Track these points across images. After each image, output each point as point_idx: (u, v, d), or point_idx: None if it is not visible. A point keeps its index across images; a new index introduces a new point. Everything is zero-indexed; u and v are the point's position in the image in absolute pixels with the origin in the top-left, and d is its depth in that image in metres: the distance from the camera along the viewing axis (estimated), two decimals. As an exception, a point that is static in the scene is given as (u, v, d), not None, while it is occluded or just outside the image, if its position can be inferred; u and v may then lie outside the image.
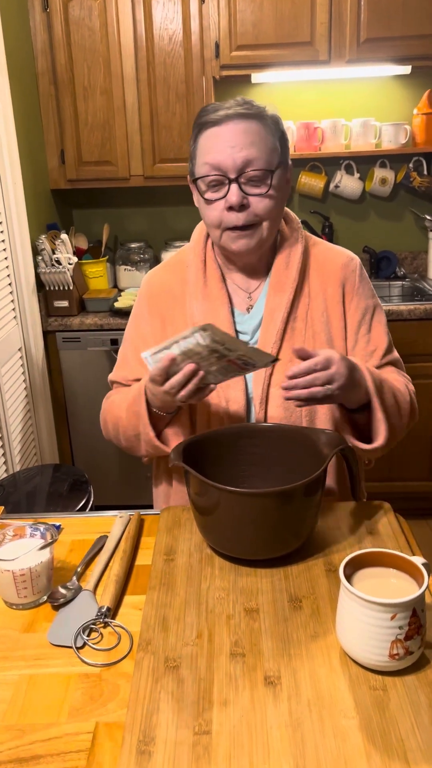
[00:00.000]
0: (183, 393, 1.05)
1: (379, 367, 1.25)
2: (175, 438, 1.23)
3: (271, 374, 1.22)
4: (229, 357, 1.02)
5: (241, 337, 1.25)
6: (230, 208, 1.14)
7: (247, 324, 1.25)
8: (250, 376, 1.23)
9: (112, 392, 1.36)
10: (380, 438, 1.13)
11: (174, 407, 1.19)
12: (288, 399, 1.06)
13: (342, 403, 1.15)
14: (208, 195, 1.16)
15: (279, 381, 1.20)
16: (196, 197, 1.22)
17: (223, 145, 1.11)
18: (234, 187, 1.12)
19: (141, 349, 1.29)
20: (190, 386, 1.05)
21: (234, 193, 1.12)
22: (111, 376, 1.37)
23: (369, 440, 1.17)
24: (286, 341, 1.22)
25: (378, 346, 1.27)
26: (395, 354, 1.30)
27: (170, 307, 1.28)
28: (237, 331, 1.25)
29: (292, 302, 1.23)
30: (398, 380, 1.24)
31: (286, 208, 1.29)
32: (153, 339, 1.29)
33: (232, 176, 1.12)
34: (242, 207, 1.14)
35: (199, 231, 1.30)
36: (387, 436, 1.13)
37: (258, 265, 1.26)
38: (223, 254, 1.26)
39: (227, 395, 1.23)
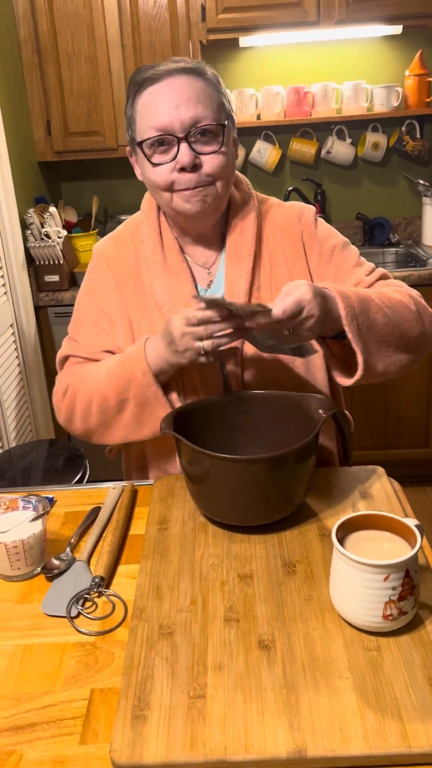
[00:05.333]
0: (215, 342, 1.01)
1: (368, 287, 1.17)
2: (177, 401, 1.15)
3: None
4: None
5: None
6: (182, 169, 1.07)
7: None
8: None
9: (72, 367, 1.25)
10: (359, 370, 1.04)
11: (170, 372, 1.12)
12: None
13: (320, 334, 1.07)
14: (156, 158, 1.08)
15: (249, 345, 1.17)
16: (138, 167, 1.15)
17: (166, 105, 1.05)
18: (184, 146, 1.06)
19: (101, 321, 1.21)
20: (226, 340, 1.02)
21: (185, 153, 1.06)
22: (66, 352, 1.27)
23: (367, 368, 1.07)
24: None
25: (355, 273, 1.19)
26: (380, 271, 1.21)
27: (127, 282, 1.21)
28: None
29: (252, 271, 1.17)
30: (396, 291, 1.14)
31: (237, 172, 1.22)
32: (117, 310, 1.21)
33: (181, 135, 1.06)
34: (194, 167, 1.07)
35: (149, 201, 1.23)
36: (364, 367, 1.04)
37: (213, 236, 1.20)
38: (177, 223, 1.19)
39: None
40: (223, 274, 1.19)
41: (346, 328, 1.02)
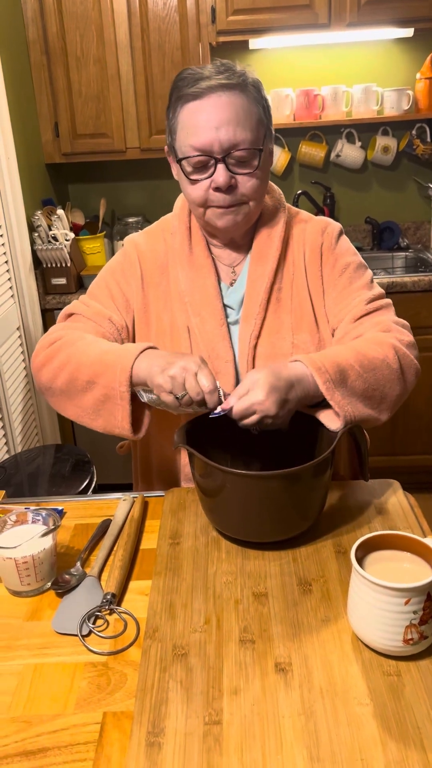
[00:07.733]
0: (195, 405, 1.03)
1: (363, 316, 1.16)
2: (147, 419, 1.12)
3: (258, 336, 1.18)
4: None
5: (228, 311, 1.21)
6: (217, 189, 1.09)
7: (232, 297, 1.21)
8: (235, 340, 1.20)
9: (74, 323, 1.23)
10: (340, 430, 1.03)
11: (141, 384, 1.09)
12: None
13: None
14: (194, 175, 1.11)
15: (265, 345, 1.19)
16: (175, 171, 1.17)
17: (207, 125, 1.06)
18: (221, 167, 1.08)
19: (118, 298, 1.23)
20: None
21: (221, 174, 1.08)
22: (72, 310, 1.24)
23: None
24: (270, 313, 1.19)
25: (360, 295, 1.19)
26: (383, 301, 1.20)
27: (153, 274, 1.23)
28: (224, 305, 1.20)
29: (275, 273, 1.19)
30: (382, 344, 1.10)
31: (270, 182, 1.25)
32: (135, 299, 1.23)
33: (219, 156, 1.07)
34: (229, 188, 1.09)
35: (182, 201, 1.25)
36: (345, 421, 1.04)
37: (241, 240, 1.22)
38: (207, 230, 1.21)
39: (216, 355, 1.18)
40: (246, 273, 1.21)
41: (331, 402, 1.03)
